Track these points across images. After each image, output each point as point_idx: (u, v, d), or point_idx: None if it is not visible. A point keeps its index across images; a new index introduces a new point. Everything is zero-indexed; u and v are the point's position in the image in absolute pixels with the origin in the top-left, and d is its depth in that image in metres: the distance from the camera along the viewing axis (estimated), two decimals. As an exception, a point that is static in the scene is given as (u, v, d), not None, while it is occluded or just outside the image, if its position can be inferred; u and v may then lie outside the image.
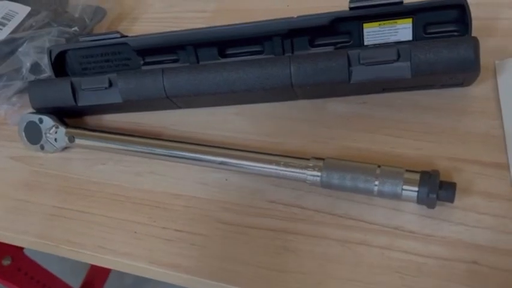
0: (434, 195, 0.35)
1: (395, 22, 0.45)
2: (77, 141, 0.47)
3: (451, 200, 0.35)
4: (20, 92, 0.54)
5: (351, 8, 0.44)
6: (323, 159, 0.38)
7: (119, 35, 0.48)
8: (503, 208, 0.35)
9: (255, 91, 0.44)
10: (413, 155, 0.39)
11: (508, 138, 0.38)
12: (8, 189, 0.47)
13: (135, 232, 0.41)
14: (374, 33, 0.46)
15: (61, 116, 0.50)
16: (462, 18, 0.43)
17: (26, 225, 0.44)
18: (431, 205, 0.35)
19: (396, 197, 0.36)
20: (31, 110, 0.53)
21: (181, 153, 0.43)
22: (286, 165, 0.39)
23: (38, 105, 0.49)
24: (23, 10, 0.56)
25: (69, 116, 0.51)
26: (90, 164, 0.47)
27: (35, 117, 0.48)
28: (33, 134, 0.49)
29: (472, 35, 0.41)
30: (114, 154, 0.47)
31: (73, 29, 0.55)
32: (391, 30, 0.46)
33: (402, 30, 0.45)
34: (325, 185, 0.38)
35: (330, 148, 0.42)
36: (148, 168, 0.45)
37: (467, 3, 0.41)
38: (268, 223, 0.39)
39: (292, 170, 0.39)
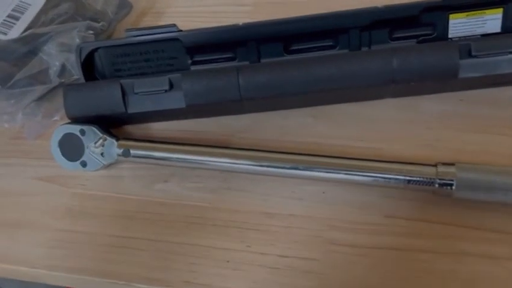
0: None
1: (484, 12, 0.42)
2: (134, 154, 0.39)
3: None
4: (39, 99, 0.45)
5: (445, -1, 0.40)
6: (453, 164, 0.33)
7: (176, 29, 0.41)
8: None
9: (348, 89, 0.38)
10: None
11: None
12: (46, 218, 0.39)
13: (228, 261, 0.34)
14: (460, 24, 0.42)
15: (103, 125, 0.42)
16: (559, 7, 0.40)
17: (80, 261, 0.36)
18: None
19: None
20: (52, 119, 0.45)
21: (271, 164, 0.37)
22: (410, 173, 0.34)
23: (76, 113, 0.41)
24: (37, 1, 0.46)
25: (111, 125, 0.43)
26: (149, 181, 0.40)
27: (75, 129, 0.40)
28: (71, 149, 0.40)
29: None
30: (176, 169, 0.40)
31: (101, 23, 0.46)
32: (478, 21, 0.42)
33: (490, 21, 0.42)
34: (460, 194, 0.33)
35: (439, 152, 0.37)
36: (225, 184, 0.38)
37: None
38: (392, 241, 0.33)
39: (419, 178, 0.34)
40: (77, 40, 0.43)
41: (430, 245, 0.33)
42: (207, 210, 0.37)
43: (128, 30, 0.42)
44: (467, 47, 0.37)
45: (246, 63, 0.44)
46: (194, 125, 0.43)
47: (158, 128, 0.43)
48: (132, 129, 0.43)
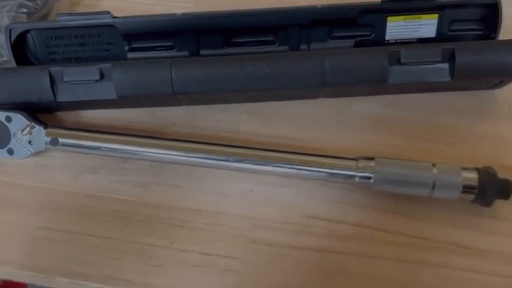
0: (495, 192, 0.34)
1: (420, 17, 0.43)
2: (63, 143, 0.38)
3: (507, 197, 0.34)
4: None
5: (383, 1, 0.40)
6: (373, 158, 0.35)
7: (109, 16, 0.40)
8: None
9: (281, 90, 0.39)
10: (455, 161, 0.37)
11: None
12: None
13: (150, 257, 0.35)
14: (397, 27, 0.43)
15: (31, 112, 0.41)
16: (491, 17, 0.41)
17: (2, 253, 0.35)
18: (489, 203, 0.34)
19: (455, 194, 0.34)
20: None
21: (199, 155, 0.37)
22: (332, 166, 0.35)
23: (3, 99, 0.39)
24: (-35, -25, 0.44)
25: (40, 112, 0.42)
26: (77, 172, 0.39)
27: (1, 115, 0.39)
28: (-4, 136, 0.39)
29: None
30: (106, 161, 0.39)
31: (34, 2, 0.44)
32: (414, 25, 0.43)
33: (426, 26, 0.43)
34: (377, 186, 0.35)
35: (364, 153, 0.38)
36: (154, 178, 0.38)
37: (500, 4, 0.40)
38: (311, 242, 0.35)
39: (340, 171, 0.35)
40: (7, 20, 0.41)
41: (347, 246, 0.34)
42: (133, 205, 0.37)
43: (59, 14, 0.40)
44: (398, 54, 0.38)
45: (185, 53, 0.43)
46: (128, 114, 0.42)
47: (90, 115, 0.42)
48: (63, 115, 0.42)
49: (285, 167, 0.36)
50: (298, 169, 0.36)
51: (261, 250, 0.34)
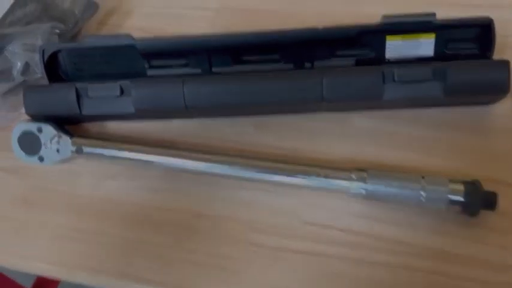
0: (479, 204, 0.36)
1: (418, 36, 0.45)
2: (86, 152, 0.43)
3: (493, 209, 0.36)
4: (5, 94, 0.48)
5: (382, 23, 0.43)
6: (365, 170, 0.38)
7: (130, 39, 0.44)
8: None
9: (283, 104, 0.42)
10: (446, 174, 0.39)
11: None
12: (2, 206, 0.43)
13: (161, 256, 0.38)
14: (396, 46, 0.46)
15: (59, 123, 0.45)
16: (485, 36, 0.43)
17: (31, 248, 0.40)
18: (475, 214, 0.36)
19: (442, 205, 0.36)
20: (17, 112, 0.48)
21: (213, 165, 0.41)
22: (327, 176, 0.38)
23: (34, 112, 0.44)
24: (4, 1, 0.49)
25: (67, 123, 0.47)
26: (99, 178, 0.44)
27: (33, 126, 0.44)
28: (29, 145, 0.44)
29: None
30: (124, 168, 0.43)
31: (65, 24, 0.49)
32: (413, 44, 0.45)
33: (424, 45, 0.45)
34: (370, 196, 0.37)
35: (359, 165, 0.41)
36: (166, 185, 0.42)
37: (493, 24, 0.42)
38: (304, 246, 0.38)
39: (334, 181, 0.38)
40: (40, 41, 0.46)
41: (339, 251, 0.37)
42: (147, 208, 0.41)
43: (85, 37, 0.45)
44: (391, 73, 0.40)
45: (198, 70, 0.47)
46: (145, 125, 0.46)
47: (112, 126, 0.47)
48: (88, 126, 0.47)
49: (283, 176, 0.39)
50: (296, 178, 0.39)
51: (259, 252, 0.37)
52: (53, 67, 0.47)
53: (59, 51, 0.46)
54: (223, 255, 0.38)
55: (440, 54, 0.45)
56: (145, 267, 0.38)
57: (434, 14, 0.42)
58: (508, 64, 0.39)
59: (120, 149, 0.43)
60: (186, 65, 0.48)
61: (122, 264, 0.38)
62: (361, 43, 0.45)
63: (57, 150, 0.44)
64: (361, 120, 0.44)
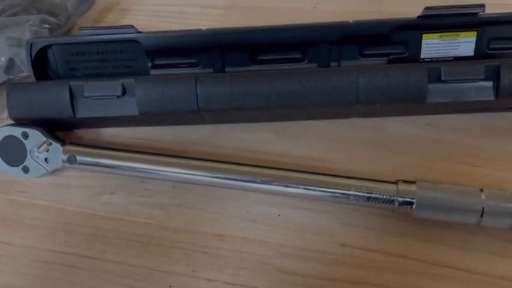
0: None
1: (458, 35, 0.40)
2: (80, 161, 0.36)
3: None
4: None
5: (420, 17, 0.38)
6: (414, 182, 0.32)
7: (134, 31, 0.39)
8: None
9: (312, 107, 0.37)
10: (499, 187, 0.34)
11: None
12: (-22, 226, 0.36)
13: (170, 286, 0.32)
14: (433, 45, 0.41)
15: (49, 128, 0.39)
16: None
17: (7, 277, 0.33)
18: None
19: (505, 224, 0.31)
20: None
21: (225, 175, 0.34)
22: (369, 190, 0.32)
23: (20, 114, 0.38)
24: (-11, -10, 0.43)
25: (58, 129, 0.40)
26: (94, 192, 0.37)
27: (17, 131, 0.37)
28: (12, 153, 0.37)
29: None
30: (125, 180, 0.37)
31: (57, 18, 0.43)
32: (452, 43, 0.41)
33: (464, 44, 0.41)
34: (419, 213, 0.32)
35: (399, 176, 0.35)
36: (175, 200, 0.36)
37: (544, 20, 0.38)
38: (344, 273, 0.32)
39: (378, 195, 0.32)
40: (28, 35, 0.40)
41: (385, 278, 0.31)
42: (152, 228, 0.35)
43: (81, 28, 0.39)
44: (437, 70, 0.35)
45: (210, 70, 0.41)
46: (149, 132, 0.40)
47: (110, 133, 0.41)
48: (83, 133, 0.41)
49: (316, 190, 0.33)
50: (332, 192, 0.33)
51: (290, 280, 0.31)
52: (42, 65, 0.41)
53: (49, 46, 0.40)
54: (246, 285, 0.32)
55: (481, 54, 0.40)
56: (152, 301, 0.32)
57: (483, 6, 0.37)
58: None
59: (120, 158, 0.36)
60: (195, 65, 0.42)
61: (124, 296, 0.32)
62: (394, 41, 0.40)
63: (46, 160, 0.37)
64: (397, 127, 0.39)
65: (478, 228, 0.32)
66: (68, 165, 0.37)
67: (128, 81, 0.37)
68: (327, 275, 0.32)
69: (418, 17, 0.38)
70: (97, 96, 0.37)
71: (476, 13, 0.38)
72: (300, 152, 0.38)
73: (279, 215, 0.35)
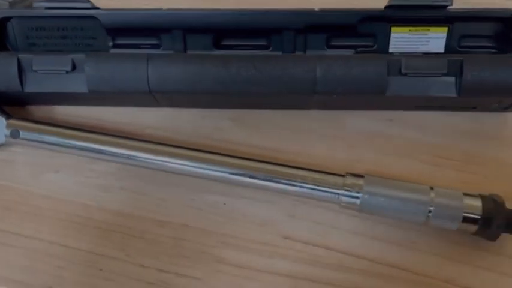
0: (501, 225, 0.29)
1: (428, 29, 0.39)
2: (23, 136, 0.35)
3: None
4: None
5: (387, 7, 0.36)
6: (362, 176, 0.30)
7: (89, 5, 0.37)
8: None
9: (268, 95, 0.35)
10: (457, 186, 0.33)
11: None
12: None
13: (101, 270, 0.30)
14: (402, 39, 0.39)
15: (-4, 102, 0.38)
16: (505, 33, 0.37)
17: None
18: (494, 237, 0.29)
19: (454, 224, 0.29)
20: None
21: (177, 161, 0.33)
22: (314, 181, 0.31)
23: (-36, 86, 0.36)
24: None
25: (6, 103, 0.39)
26: (38, 170, 0.36)
27: (-41, 103, 0.36)
28: (-47, 126, 0.36)
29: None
30: (71, 159, 0.36)
31: (19, -10, 0.42)
32: (421, 38, 0.39)
33: (434, 39, 0.39)
34: (365, 209, 0.30)
35: (355, 171, 0.34)
36: (119, 183, 0.35)
37: (515, 17, 0.36)
38: (283, 266, 0.30)
39: (323, 188, 0.31)
40: (-17, 5, 0.39)
41: (324, 274, 0.30)
42: (93, 210, 0.33)
43: (37, 1, 0.37)
44: (398, 63, 0.34)
45: (171, 52, 0.40)
46: (103, 113, 0.39)
47: (63, 112, 0.39)
48: (34, 110, 0.39)
49: (262, 179, 0.32)
50: (277, 182, 0.31)
51: (226, 271, 0.30)
52: (1, 39, 0.39)
53: (8, 18, 0.39)
54: (181, 273, 0.30)
55: (451, 52, 0.39)
56: (77, 283, 0.30)
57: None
58: (537, 62, 0.33)
59: (65, 136, 0.35)
60: (157, 46, 0.40)
61: (51, 278, 0.30)
62: (362, 33, 0.39)
63: (-11, 134, 0.36)
64: (357, 121, 0.37)
65: (427, 229, 0.31)
66: (11, 140, 0.35)
67: (79, 56, 0.35)
68: (264, 267, 0.30)
69: (385, 7, 0.37)
70: (46, 70, 0.35)
71: (445, 6, 0.36)
72: (256, 141, 0.37)
73: (224, 204, 0.33)
